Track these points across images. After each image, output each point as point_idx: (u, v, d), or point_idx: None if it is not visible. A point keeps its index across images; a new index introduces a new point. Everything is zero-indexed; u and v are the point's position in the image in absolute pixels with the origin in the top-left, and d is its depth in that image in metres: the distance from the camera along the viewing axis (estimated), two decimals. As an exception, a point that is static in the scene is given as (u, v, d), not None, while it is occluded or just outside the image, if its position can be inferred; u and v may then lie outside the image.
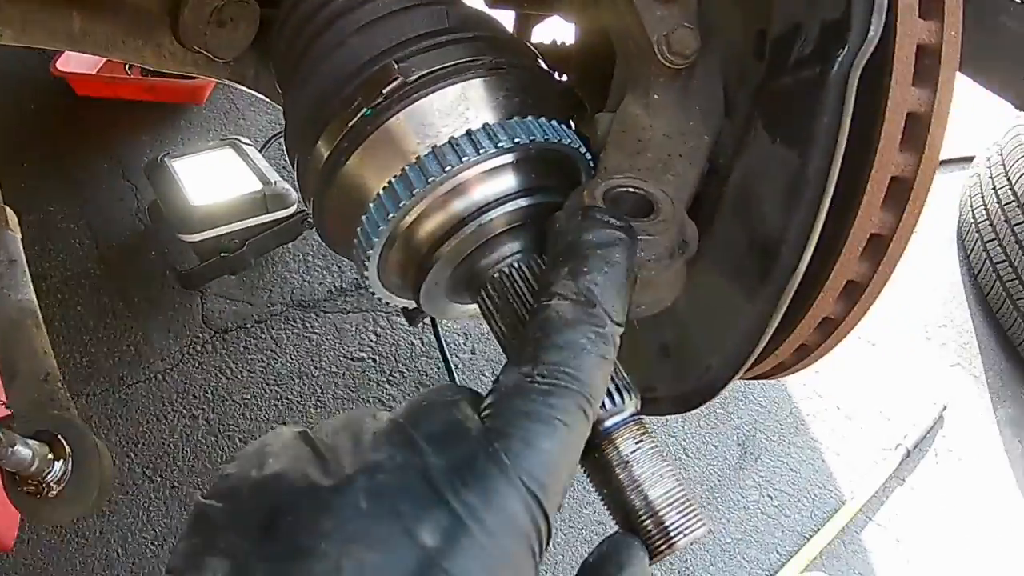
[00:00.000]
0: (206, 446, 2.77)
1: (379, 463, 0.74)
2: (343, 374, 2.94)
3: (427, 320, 3.00)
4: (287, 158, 1.32)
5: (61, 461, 1.30)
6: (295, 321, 3.06)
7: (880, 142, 0.93)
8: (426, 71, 1.11)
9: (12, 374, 1.42)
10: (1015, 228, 3.50)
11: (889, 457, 3.13)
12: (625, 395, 0.96)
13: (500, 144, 1.03)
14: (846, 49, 0.91)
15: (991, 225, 3.69)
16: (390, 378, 2.93)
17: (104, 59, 3.87)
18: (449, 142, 1.03)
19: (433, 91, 1.09)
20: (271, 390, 2.90)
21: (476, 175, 1.05)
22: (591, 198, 0.97)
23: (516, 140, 1.03)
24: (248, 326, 3.05)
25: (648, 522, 0.93)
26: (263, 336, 3.03)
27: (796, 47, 0.99)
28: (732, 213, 1.08)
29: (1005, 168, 3.63)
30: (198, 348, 2.99)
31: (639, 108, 1.14)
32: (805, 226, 0.94)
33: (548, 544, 0.76)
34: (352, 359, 2.98)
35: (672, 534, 0.92)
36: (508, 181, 1.06)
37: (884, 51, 0.91)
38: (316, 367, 2.96)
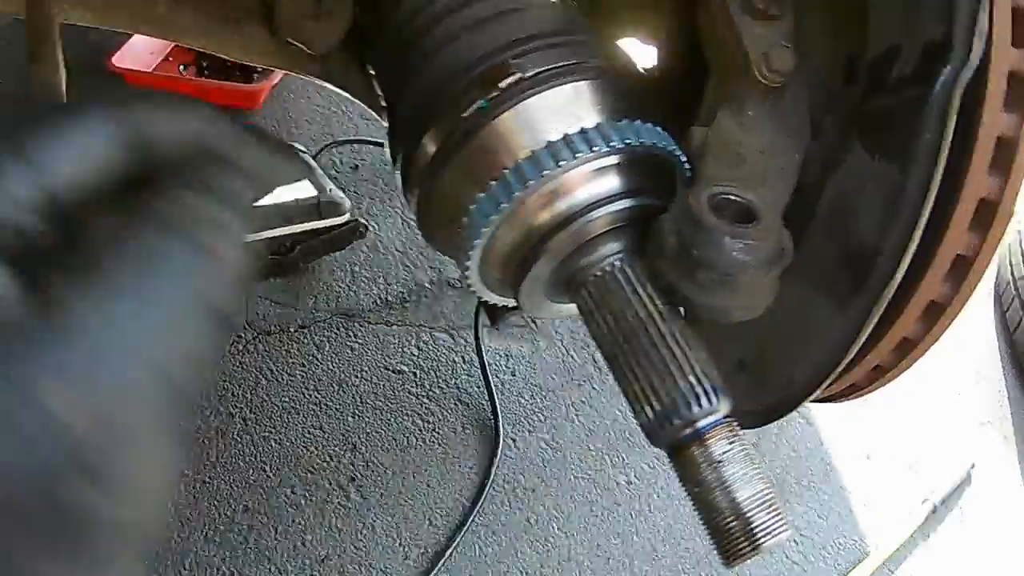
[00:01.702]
0: (241, 444, 2.78)
1: None
2: (383, 385, 2.95)
3: (471, 338, 3.05)
4: (389, 154, 1.34)
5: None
6: (338, 329, 3.07)
7: (971, 163, 0.96)
8: (541, 69, 1.13)
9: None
10: (1053, 290, 3.49)
11: (916, 512, 3.11)
12: (718, 396, 0.97)
13: (612, 143, 1.05)
14: (948, 68, 0.94)
15: (1029, 284, 3.66)
16: (430, 393, 2.94)
17: (159, 59, 3.92)
18: (564, 138, 1.06)
19: (548, 88, 1.12)
20: (310, 395, 2.91)
21: (585, 173, 1.07)
22: (697, 203, 0.99)
23: (627, 141, 1.06)
24: (291, 330, 3.06)
25: (734, 523, 0.94)
26: (305, 341, 3.03)
27: (895, 67, 1.03)
28: (824, 229, 1.11)
29: (1046, 226, 3.62)
30: (240, 348, 3.00)
31: (733, 124, 1.17)
32: (903, 236, 0.98)
33: None
34: (393, 371, 2.99)
35: (758, 534, 0.93)
36: (613, 181, 1.09)
37: (979, 75, 0.95)
38: (356, 376, 2.96)
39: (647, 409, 0.98)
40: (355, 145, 3.64)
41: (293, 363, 2.99)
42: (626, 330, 1.01)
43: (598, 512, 2.77)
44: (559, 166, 1.04)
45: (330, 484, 2.75)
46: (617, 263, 1.07)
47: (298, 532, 2.65)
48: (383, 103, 1.43)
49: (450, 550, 2.61)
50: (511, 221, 1.09)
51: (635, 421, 1.02)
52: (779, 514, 0.96)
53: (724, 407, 0.98)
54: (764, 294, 1.03)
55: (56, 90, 1.67)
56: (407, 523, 2.69)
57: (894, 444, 3.29)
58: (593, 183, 1.08)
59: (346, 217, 3.01)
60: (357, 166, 3.56)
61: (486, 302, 1.28)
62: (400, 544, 2.64)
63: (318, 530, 2.66)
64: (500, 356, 3.07)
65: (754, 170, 1.13)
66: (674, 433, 0.97)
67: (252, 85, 3.78)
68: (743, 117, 1.17)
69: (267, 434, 2.83)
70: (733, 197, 1.02)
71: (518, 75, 1.13)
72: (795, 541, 2.89)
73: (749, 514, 0.94)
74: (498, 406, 2.91)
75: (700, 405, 0.96)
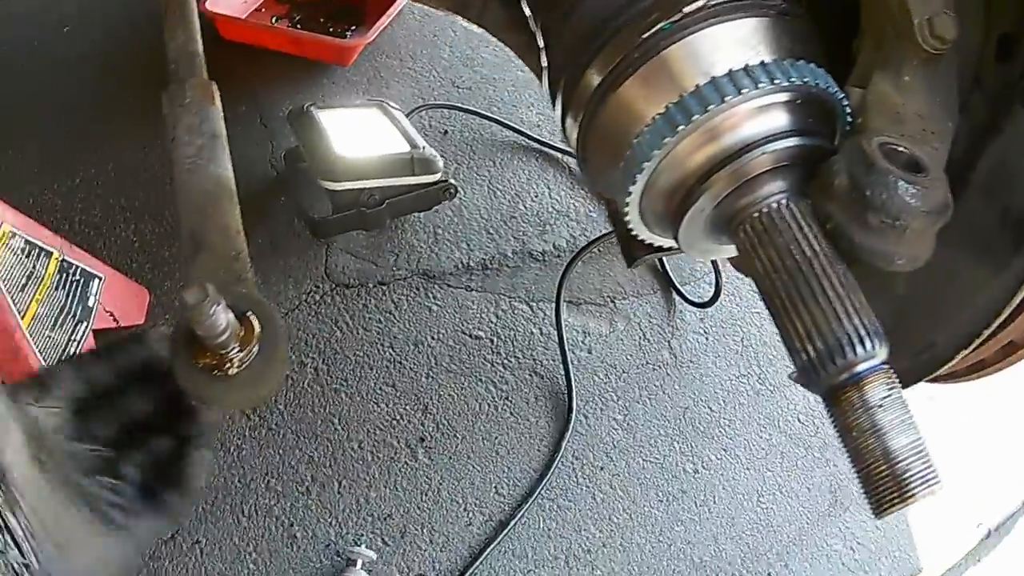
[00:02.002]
0: (311, 395, 2.79)
1: None
2: (459, 349, 2.94)
3: (550, 311, 3.05)
4: (547, 89, 1.34)
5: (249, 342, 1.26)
6: (418, 289, 3.06)
7: None
8: (724, 1, 1.14)
9: (199, 247, 1.39)
10: None
11: (971, 534, 3.09)
12: (877, 342, 0.97)
13: (791, 79, 1.05)
14: None
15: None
16: (506, 361, 2.93)
17: (252, 7, 3.93)
18: (745, 68, 1.06)
19: (732, 19, 1.13)
20: (385, 352, 2.90)
21: (753, 109, 1.08)
22: (870, 147, 0.99)
23: (804, 79, 1.06)
24: (370, 285, 3.06)
25: (886, 471, 0.93)
26: (384, 298, 3.03)
27: None
28: (982, 195, 1.12)
29: None
30: (316, 298, 3.00)
31: (890, 87, 1.17)
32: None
33: None
34: (470, 336, 2.98)
35: (911, 484, 0.93)
36: (781, 119, 1.09)
37: None
38: (433, 337, 2.95)
39: (808, 348, 0.97)
40: (446, 111, 3.63)
41: (370, 318, 2.99)
42: (790, 268, 1.00)
43: (663, 497, 2.75)
44: (740, 94, 1.04)
45: (398, 443, 2.75)
46: (783, 201, 1.06)
47: (362, 488, 2.65)
48: (540, 41, 1.42)
49: (514, 520, 2.61)
50: (677, 153, 1.09)
51: (792, 362, 1.01)
52: (932, 466, 0.95)
53: (883, 353, 0.98)
54: (926, 245, 1.03)
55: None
56: (473, 489, 2.69)
57: (955, 464, 3.25)
58: (761, 119, 1.09)
59: (438, 176, 3.01)
60: (447, 131, 3.55)
61: (630, 238, 1.27)
62: (465, 509, 2.64)
63: (382, 488, 2.66)
64: (577, 332, 3.05)
65: (914, 129, 1.13)
66: (834, 375, 0.97)
67: (346, 41, 3.76)
68: (900, 81, 1.17)
69: (338, 387, 2.83)
70: (901, 148, 1.02)
71: (704, 0, 1.13)
72: (852, 548, 2.87)
73: (903, 462, 0.93)
74: (573, 381, 2.89)
75: (864, 347, 0.95)
